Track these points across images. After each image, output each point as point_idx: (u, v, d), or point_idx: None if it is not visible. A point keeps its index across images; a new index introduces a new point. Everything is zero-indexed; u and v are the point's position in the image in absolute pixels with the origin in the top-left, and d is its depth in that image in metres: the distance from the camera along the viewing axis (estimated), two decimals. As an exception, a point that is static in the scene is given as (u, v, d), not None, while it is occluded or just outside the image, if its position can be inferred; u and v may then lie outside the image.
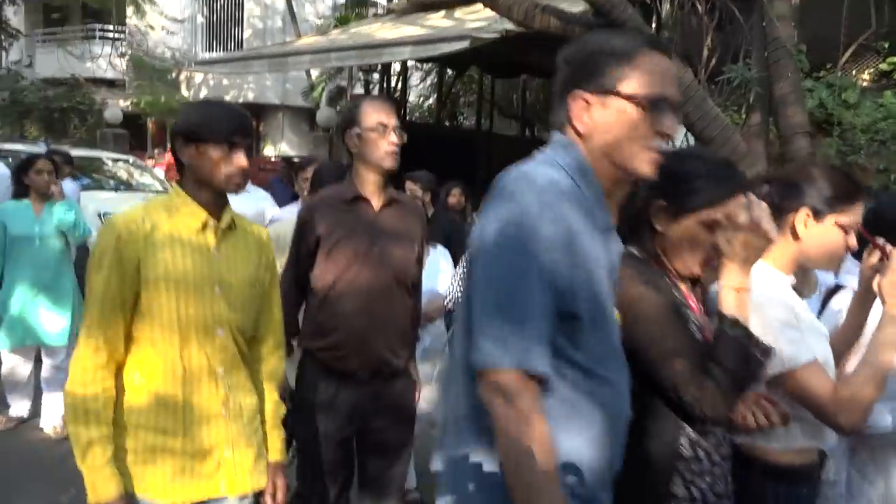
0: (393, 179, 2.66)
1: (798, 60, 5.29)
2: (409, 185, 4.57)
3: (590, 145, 1.37)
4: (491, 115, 15.48)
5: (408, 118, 14.97)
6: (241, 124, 1.84)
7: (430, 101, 18.00)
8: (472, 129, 15.46)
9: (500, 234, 1.27)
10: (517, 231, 1.26)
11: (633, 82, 1.34)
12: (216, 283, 1.85)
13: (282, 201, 7.60)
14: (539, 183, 1.29)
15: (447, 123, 16.20)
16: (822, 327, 1.83)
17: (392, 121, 2.51)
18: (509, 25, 6.66)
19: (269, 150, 20.07)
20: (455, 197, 5.70)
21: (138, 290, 1.78)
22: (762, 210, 1.51)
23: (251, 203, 4.90)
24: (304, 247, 2.56)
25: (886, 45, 6.03)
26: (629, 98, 1.33)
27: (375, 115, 2.49)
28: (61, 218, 4.24)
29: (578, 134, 1.38)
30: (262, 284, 2.00)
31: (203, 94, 19.82)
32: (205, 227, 1.85)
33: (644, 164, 1.36)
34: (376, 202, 2.56)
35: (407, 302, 2.62)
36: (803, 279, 1.98)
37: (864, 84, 6.61)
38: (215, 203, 1.88)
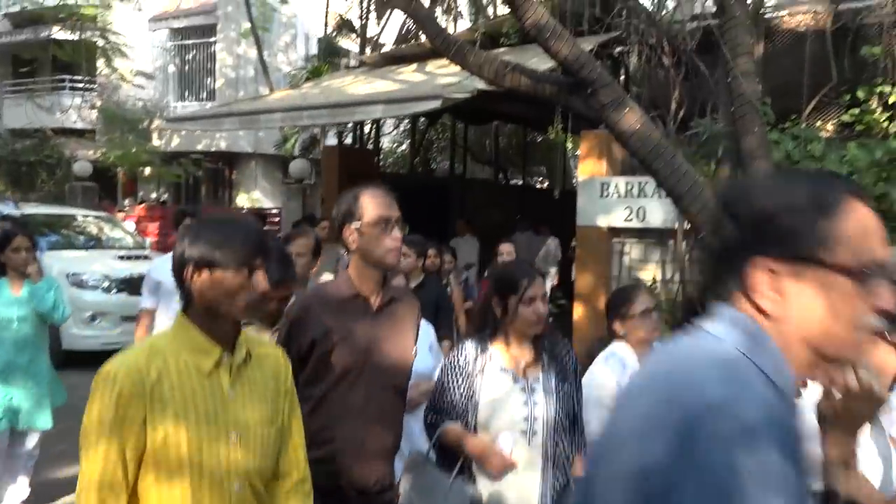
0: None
1: (763, 113, 5.42)
2: (403, 249, 4.52)
3: (780, 327, 1.04)
4: (464, 161, 15.67)
5: (381, 165, 15.06)
6: (260, 244, 1.69)
7: (404, 146, 18.14)
8: (446, 174, 15.60)
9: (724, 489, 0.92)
10: (746, 483, 0.91)
11: (839, 246, 1.01)
12: (232, 428, 1.66)
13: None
14: (762, 417, 0.95)
15: (420, 169, 16.33)
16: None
17: (395, 213, 2.35)
18: (480, 83, 6.73)
19: (242, 199, 20.02)
20: (430, 259, 5.64)
21: (144, 448, 1.58)
22: (870, 373, 1.36)
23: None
24: (296, 349, 2.33)
25: (848, 97, 6.22)
26: (837, 268, 1.01)
27: (376, 210, 2.32)
28: (40, 298, 4.10)
29: (761, 311, 1.05)
30: (282, 416, 1.80)
31: (175, 143, 19.77)
32: (218, 365, 1.67)
33: (858, 349, 1.07)
34: (374, 300, 2.40)
35: (401, 407, 2.53)
36: None
37: (827, 135, 6.79)
38: (229, 334, 1.69)
